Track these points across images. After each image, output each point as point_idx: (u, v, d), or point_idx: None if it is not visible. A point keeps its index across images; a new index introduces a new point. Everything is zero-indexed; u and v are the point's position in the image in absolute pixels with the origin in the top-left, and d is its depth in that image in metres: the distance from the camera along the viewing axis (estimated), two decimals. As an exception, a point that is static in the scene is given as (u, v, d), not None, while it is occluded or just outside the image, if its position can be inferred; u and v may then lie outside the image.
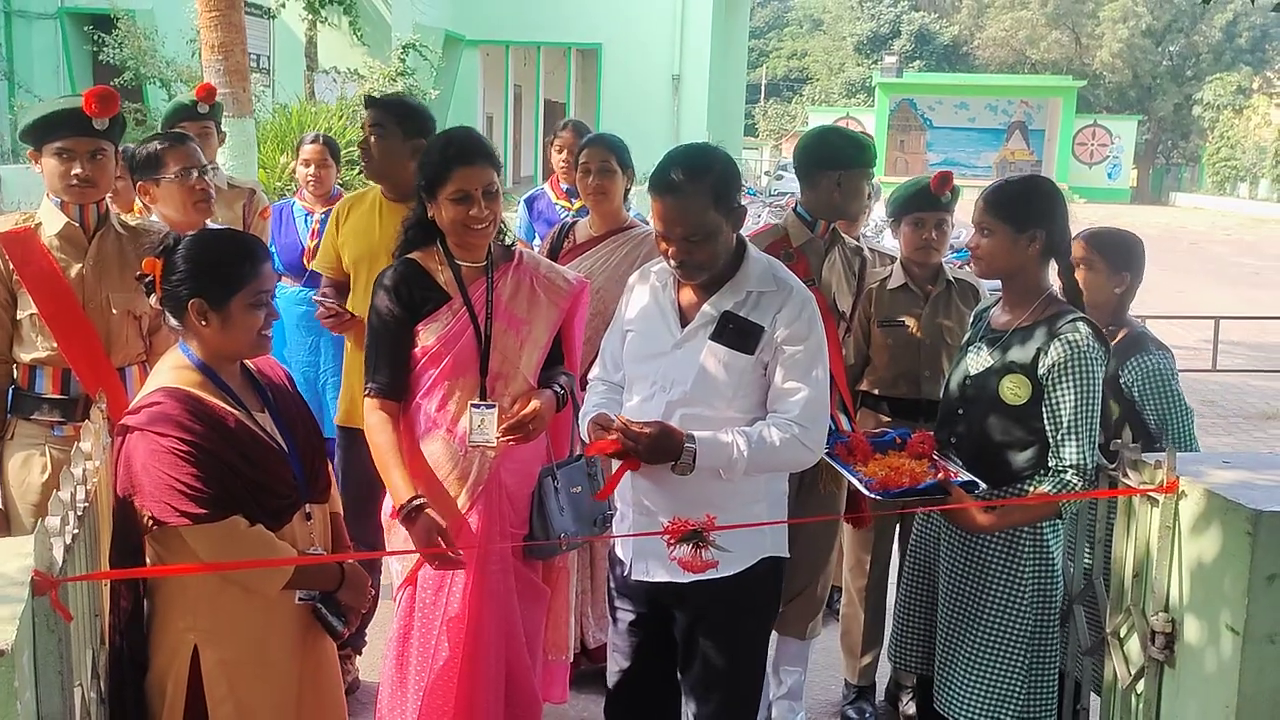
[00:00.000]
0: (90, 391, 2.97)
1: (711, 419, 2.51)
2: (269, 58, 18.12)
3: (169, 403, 2.25)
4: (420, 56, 17.26)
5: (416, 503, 2.74)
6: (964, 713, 2.72)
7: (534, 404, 2.84)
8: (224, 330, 2.30)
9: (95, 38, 15.50)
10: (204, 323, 2.30)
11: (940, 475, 2.66)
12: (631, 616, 2.69)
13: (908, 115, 40.68)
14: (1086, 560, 2.81)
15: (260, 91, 13.57)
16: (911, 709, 3.88)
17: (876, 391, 3.77)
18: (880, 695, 4.01)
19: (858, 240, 3.91)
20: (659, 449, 2.40)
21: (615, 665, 2.76)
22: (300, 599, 2.37)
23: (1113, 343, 3.01)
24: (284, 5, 15.88)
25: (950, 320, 3.69)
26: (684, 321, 2.57)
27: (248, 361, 2.46)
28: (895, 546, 3.90)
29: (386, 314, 2.87)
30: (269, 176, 11.30)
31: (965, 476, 2.67)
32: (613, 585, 2.78)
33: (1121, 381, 3.04)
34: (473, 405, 2.85)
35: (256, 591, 2.30)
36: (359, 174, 12.23)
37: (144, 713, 2.30)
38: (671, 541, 2.24)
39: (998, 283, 2.94)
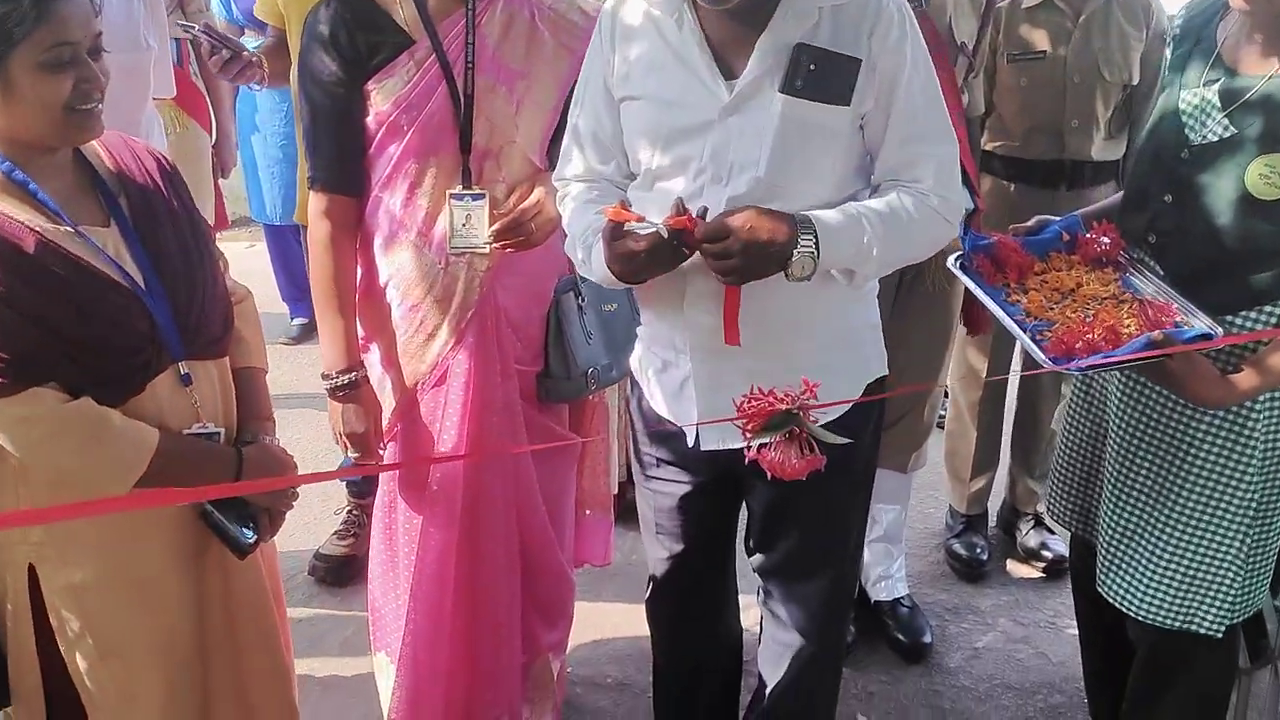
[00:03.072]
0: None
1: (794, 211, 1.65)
2: None
3: None
4: None
5: (346, 380, 2.07)
6: (1148, 610, 1.94)
7: (538, 192, 2.00)
8: (6, 105, 1.46)
9: None
10: None
11: (1154, 326, 1.72)
12: (686, 489, 1.92)
13: None
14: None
15: None
16: (1033, 540, 3.18)
17: (1002, 151, 2.85)
18: (992, 522, 3.31)
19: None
20: (761, 247, 1.54)
21: (662, 550, 2.01)
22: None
23: None
24: None
25: (1112, 47, 2.70)
26: (727, 70, 1.66)
27: (94, 153, 1.63)
28: (1019, 350, 3.09)
29: (324, 74, 2.01)
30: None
31: (1197, 326, 1.73)
32: (649, 449, 1.95)
33: None
34: (452, 196, 2.02)
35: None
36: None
37: None
38: (750, 431, 1.43)
39: None
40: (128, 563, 1.60)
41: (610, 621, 2.94)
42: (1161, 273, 1.87)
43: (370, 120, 2.02)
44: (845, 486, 1.87)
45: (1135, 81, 2.73)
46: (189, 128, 3.68)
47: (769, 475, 1.41)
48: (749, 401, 1.36)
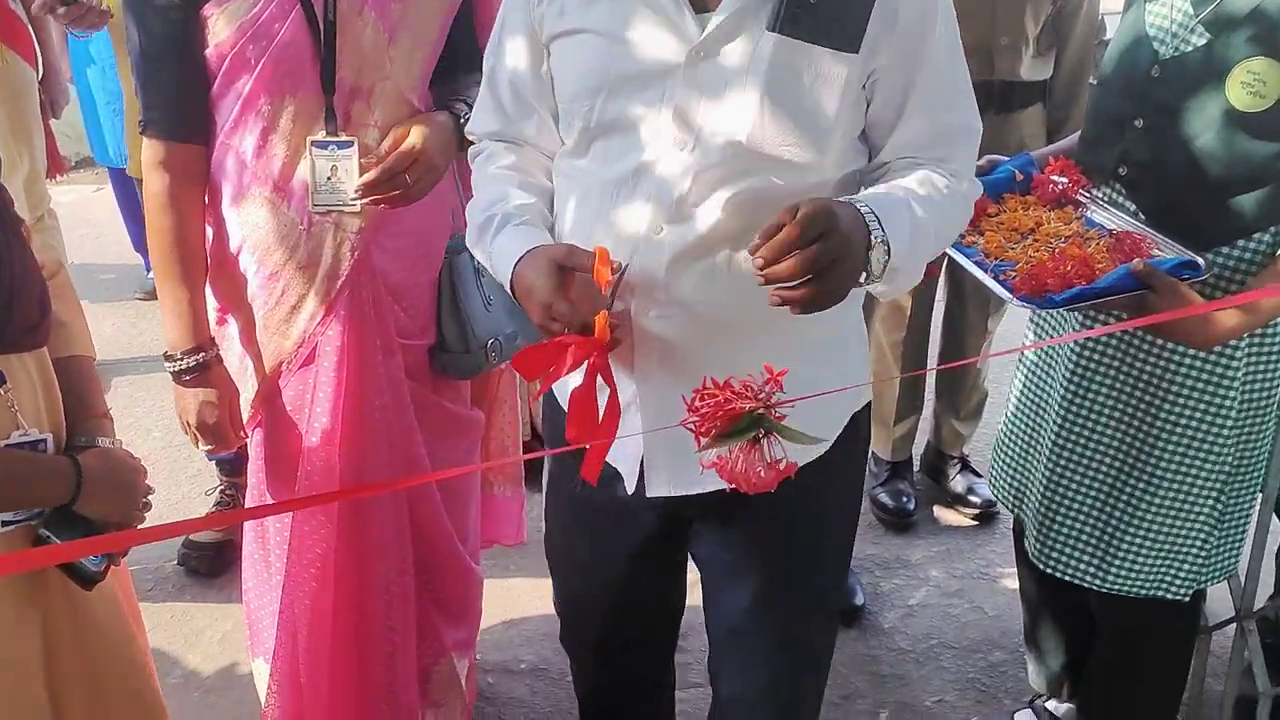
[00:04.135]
0: None
1: (785, 192, 1.25)
2: None
3: None
4: None
5: (193, 361, 1.76)
6: (1113, 581, 1.77)
7: (416, 135, 1.69)
8: None
9: None
10: None
11: (1133, 257, 1.53)
12: (630, 550, 1.57)
13: None
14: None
15: None
16: (960, 485, 3.04)
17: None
18: (917, 466, 3.16)
19: None
20: (849, 253, 1.13)
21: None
22: (4, 526, 1.33)
23: None
24: None
25: (1043, -44, 2.49)
26: (697, 2, 1.27)
27: None
28: (941, 285, 2.91)
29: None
30: None
31: (1173, 254, 1.55)
32: (573, 497, 1.57)
33: None
34: (314, 144, 1.70)
35: None
36: None
37: None
38: (703, 432, 1.11)
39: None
40: None
41: (520, 599, 2.70)
42: (1133, 208, 1.67)
43: (210, 52, 1.68)
44: (830, 532, 1.52)
45: (1064, -6, 2.54)
46: (10, 62, 3.20)
47: (728, 488, 1.14)
48: (701, 399, 1.08)
